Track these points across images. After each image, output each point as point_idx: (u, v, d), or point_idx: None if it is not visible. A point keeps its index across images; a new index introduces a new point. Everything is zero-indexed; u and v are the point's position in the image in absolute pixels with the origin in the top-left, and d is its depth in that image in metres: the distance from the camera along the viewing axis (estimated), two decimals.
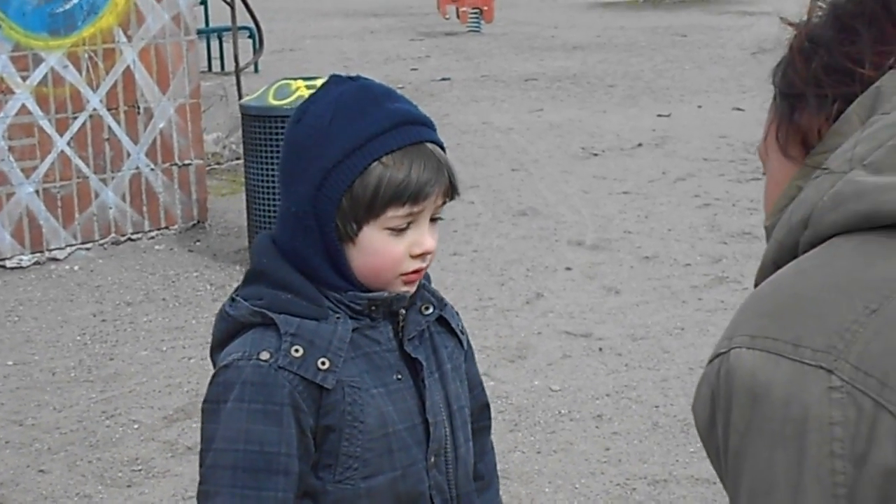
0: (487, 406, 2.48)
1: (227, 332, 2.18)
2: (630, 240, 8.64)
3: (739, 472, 1.20)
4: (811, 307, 1.19)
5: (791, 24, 1.42)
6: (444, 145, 2.19)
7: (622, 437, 5.60)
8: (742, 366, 1.19)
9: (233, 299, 2.20)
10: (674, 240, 8.60)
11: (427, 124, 2.16)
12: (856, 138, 1.28)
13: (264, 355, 2.09)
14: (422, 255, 2.15)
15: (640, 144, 11.85)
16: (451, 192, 2.16)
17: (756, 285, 1.31)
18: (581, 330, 6.91)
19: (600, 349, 6.61)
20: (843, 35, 1.35)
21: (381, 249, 2.12)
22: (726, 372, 1.21)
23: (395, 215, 2.10)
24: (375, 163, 2.08)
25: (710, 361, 1.24)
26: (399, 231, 2.12)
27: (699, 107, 13.84)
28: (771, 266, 1.31)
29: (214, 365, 2.19)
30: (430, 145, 2.13)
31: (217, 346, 2.21)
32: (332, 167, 2.08)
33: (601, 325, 6.97)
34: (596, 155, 11.46)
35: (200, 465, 2.15)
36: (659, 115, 13.35)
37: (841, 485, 1.13)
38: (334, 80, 2.21)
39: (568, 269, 8.03)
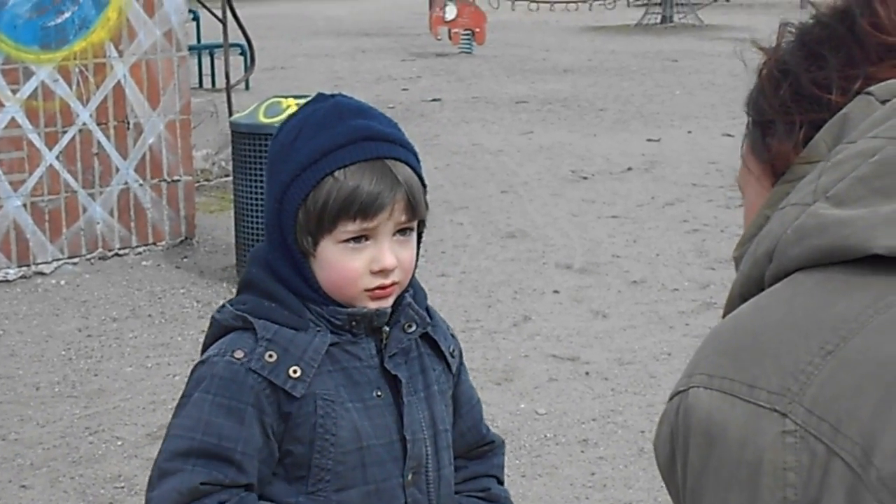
0: (485, 434, 2.46)
1: (213, 335, 2.23)
2: (618, 264, 8.63)
3: None
4: (768, 347, 1.16)
5: (762, 49, 1.41)
6: (416, 164, 2.18)
7: (608, 462, 5.59)
8: (699, 406, 1.18)
9: (222, 305, 2.26)
10: (662, 265, 8.59)
11: (392, 141, 2.16)
12: (821, 168, 1.25)
13: (238, 353, 2.13)
14: (381, 272, 2.15)
15: (629, 169, 11.85)
16: (414, 209, 2.15)
17: (724, 317, 1.30)
18: (568, 353, 6.89)
19: (587, 373, 6.60)
20: (810, 61, 1.34)
21: (337, 264, 2.14)
22: (685, 411, 1.20)
23: (346, 229, 2.12)
24: (328, 177, 2.10)
25: (671, 399, 1.23)
26: (357, 246, 2.13)
27: (689, 132, 13.85)
28: (738, 299, 1.29)
29: None
30: (389, 161, 2.13)
31: (204, 351, 2.25)
32: (289, 182, 2.13)
33: (588, 349, 6.95)
34: (585, 178, 11.47)
35: (155, 458, 2.17)
36: (649, 140, 13.36)
37: None
38: (315, 97, 2.25)
39: (556, 292, 8.02)
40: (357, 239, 2.13)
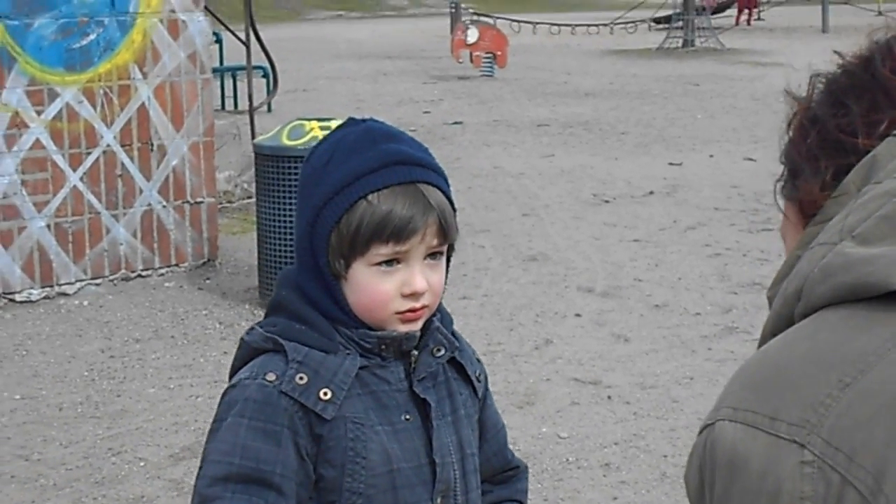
0: (510, 459, 2.47)
1: (241, 358, 2.23)
2: (640, 288, 8.62)
3: None
4: (790, 380, 1.19)
5: (795, 99, 1.45)
6: (446, 188, 2.20)
7: (630, 486, 5.57)
8: (725, 438, 1.21)
9: (251, 328, 2.25)
10: (684, 289, 8.58)
11: (423, 165, 2.17)
12: (849, 208, 1.28)
13: (270, 376, 2.13)
14: (412, 295, 2.15)
15: (651, 192, 11.85)
16: (445, 233, 2.16)
17: None
18: (590, 377, 6.88)
19: (609, 397, 6.59)
20: (836, 108, 1.38)
21: (368, 287, 2.14)
22: (711, 443, 1.23)
23: (378, 253, 2.12)
24: (361, 200, 2.11)
25: (700, 432, 1.26)
26: (388, 269, 2.14)
27: (711, 156, 13.85)
28: (769, 337, 1.32)
29: None
30: (422, 185, 2.14)
31: (233, 374, 2.25)
32: (322, 205, 2.13)
33: (610, 373, 6.95)
34: (607, 202, 11.47)
35: (195, 484, 2.16)
36: (670, 164, 13.36)
37: None
38: (346, 122, 2.26)
39: (577, 315, 8.02)
40: (389, 262, 2.14)
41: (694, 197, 11.63)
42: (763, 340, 1.35)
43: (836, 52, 1.45)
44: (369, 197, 2.11)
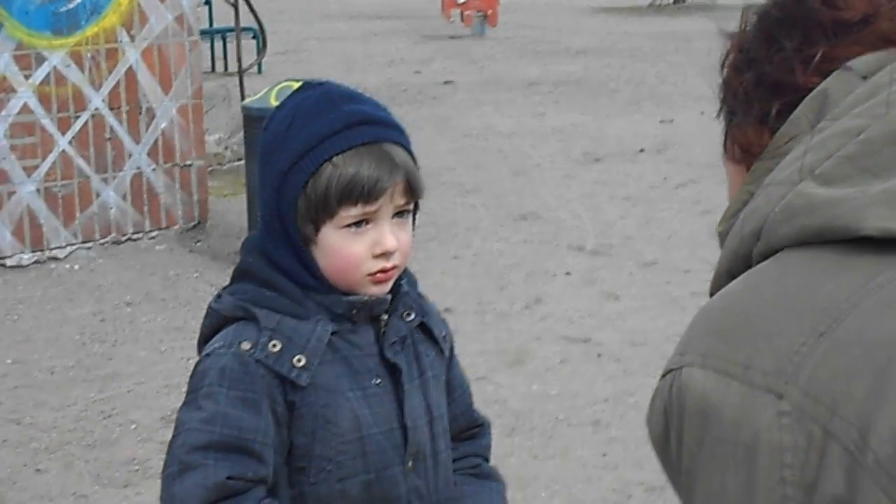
0: (475, 417, 2.49)
1: (211, 326, 2.23)
2: (630, 245, 8.63)
3: (691, 491, 1.20)
4: (761, 327, 1.16)
5: (727, 35, 1.42)
6: (409, 146, 2.20)
7: (620, 443, 5.60)
8: (694, 385, 1.18)
9: (219, 295, 2.24)
10: (674, 246, 8.59)
11: (385, 124, 2.18)
12: (805, 145, 1.24)
13: (245, 345, 2.13)
14: (383, 255, 2.16)
15: (642, 150, 11.84)
16: (412, 191, 2.16)
17: (711, 294, 1.30)
18: (580, 335, 6.90)
19: (599, 355, 6.61)
20: (769, 44, 1.34)
21: (340, 249, 2.15)
22: (678, 389, 1.20)
23: (348, 214, 2.13)
24: (326, 163, 2.11)
25: (664, 376, 1.23)
26: (358, 231, 2.14)
27: (702, 113, 13.81)
28: (725, 276, 1.29)
29: None
30: (386, 145, 2.15)
31: (202, 342, 2.25)
32: (287, 170, 2.13)
33: (600, 331, 6.96)
34: (598, 160, 11.46)
35: (168, 451, 2.16)
36: (661, 121, 13.34)
37: None
38: (302, 86, 2.27)
39: (568, 273, 8.03)
40: (358, 223, 2.14)
41: (685, 154, 11.62)
42: (717, 279, 1.32)
43: None
44: (334, 159, 2.11)
